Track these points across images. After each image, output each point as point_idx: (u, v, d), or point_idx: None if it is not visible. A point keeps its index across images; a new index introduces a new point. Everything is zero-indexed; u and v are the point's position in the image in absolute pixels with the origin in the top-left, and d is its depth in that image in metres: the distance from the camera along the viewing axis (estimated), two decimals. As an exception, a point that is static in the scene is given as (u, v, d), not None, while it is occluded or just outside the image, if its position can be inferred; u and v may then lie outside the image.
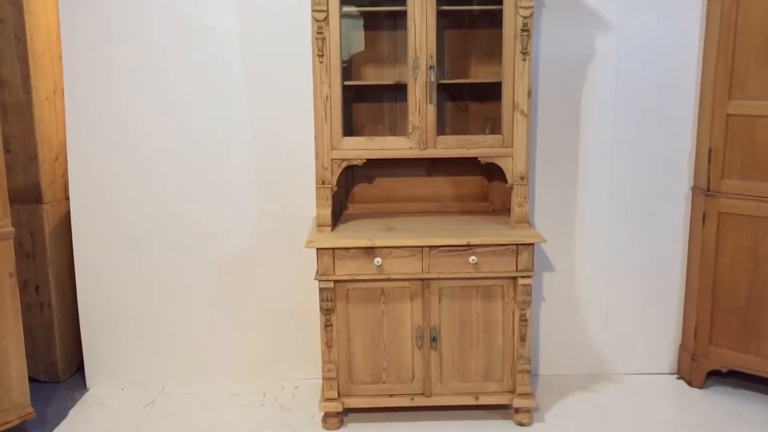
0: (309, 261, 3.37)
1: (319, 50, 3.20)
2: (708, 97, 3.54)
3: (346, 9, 3.28)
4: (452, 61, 3.56)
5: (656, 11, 3.57)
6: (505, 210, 3.64)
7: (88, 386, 3.79)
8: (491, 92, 3.46)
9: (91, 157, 3.63)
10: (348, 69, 3.52)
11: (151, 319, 3.77)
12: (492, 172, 3.54)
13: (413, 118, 3.29)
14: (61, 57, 3.59)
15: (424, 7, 3.18)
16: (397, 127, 3.61)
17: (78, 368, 3.92)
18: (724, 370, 3.62)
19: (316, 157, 3.31)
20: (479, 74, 3.57)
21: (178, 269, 3.73)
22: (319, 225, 3.35)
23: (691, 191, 3.71)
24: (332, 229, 3.37)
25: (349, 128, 3.57)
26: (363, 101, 3.61)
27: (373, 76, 3.57)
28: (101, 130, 3.61)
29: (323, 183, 3.33)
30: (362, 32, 3.54)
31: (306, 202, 3.57)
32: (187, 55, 3.56)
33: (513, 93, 3.26)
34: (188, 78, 3.58)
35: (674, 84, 3.63)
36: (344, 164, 3.33)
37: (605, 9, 3.55)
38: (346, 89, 3.37)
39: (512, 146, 3.31)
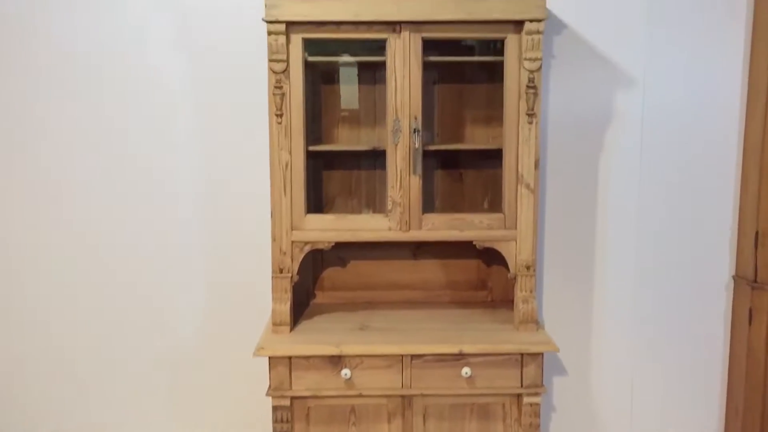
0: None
1: (277, 108, 2.58)
2: (753, 167, 2.92)
3: (312, 59, 2.68)
4: (443, 122, 2.95)
5: (689, 63, 2.97)
6: (507, 301, 2.99)
7: None
8: (490, 158, 2.85)
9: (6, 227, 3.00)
10: (314, 130, 2.91)
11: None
12: (491, 254, 2.90)
13: (393, 193, 2.66)
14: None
15: (407, 57, 2.58)
16: (376, 201, 2.98)
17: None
18: (778, 503, 2.92)
19: (273, 239, 2.67)
20: (476, 138, 2.96)
21: (101, 371, 3.06)
22: (275, 324, 2.68)
23: (732, 281, 3.05)
24: (291, 329, 2.70)
25: (316, 202, 2.94)
26: (333, 168, 2.98)
27: (346, 140, 2.96)
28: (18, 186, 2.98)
29: (281, 271, 2.68)
30: (332, 86, 2.93)
31: (268, 287, 2.92)
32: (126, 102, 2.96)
33: (517, 163, 2.64)
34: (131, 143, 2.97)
35: (711, 151, 3.01)
36: (308, 248, 2.68)
37: (628, 60, 2.95)
38: (311, 156, 2.75)
39: (516, 228, 2.67)
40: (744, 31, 2.92)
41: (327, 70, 2.91)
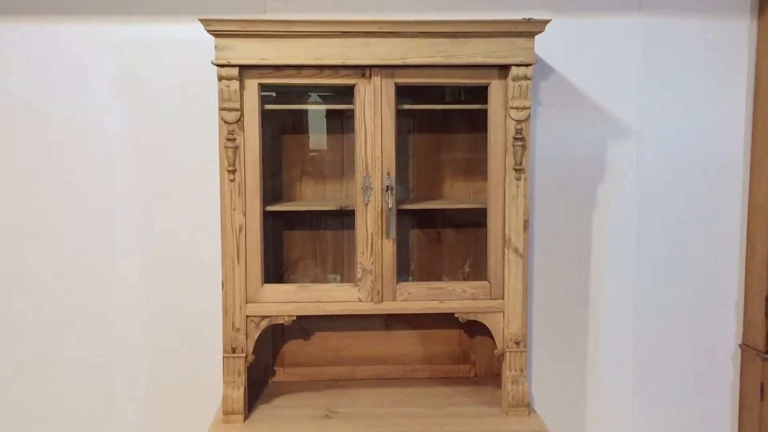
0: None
1: (229, 163, 2.25)
2: (761, 228, 2.64)
3: (270, 107, 2.36)
4: (419, 175, 2.64)
5: (688, 114, 2.70)
6: (492, 376, 2.66)
7: None
8: (473, 215, 2.54)
9: None
10: (274, 187, 2.58)
11: None
12: (474, 323, 2.54)
13: (363, 259, 2.32)
14: None
15: (378, 105, 2.27)
16: (344, 266, 2.64)
17: None
18: None
19: (224, 313, 2.31)
20: (456, 193, 2.65)
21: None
22: (226, 412, 2.30)
23: (740, 351, 2.75)
24: (245, 417, 2.33)
25: (275, 269, 2.60)
26: (296, 228, 2.64)
27: (311, 196, 2.62)
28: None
29: (234, 351, 2.31)
30: (294, 136, 2.61)
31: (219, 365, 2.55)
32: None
33: (503, 224, 2.33)
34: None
35: (714, 210, 2.72)
36: (265, 323, 2.32)
37: (622, 108, 2.67)
38: (269, 216, 2.42)
39: (503, 298, 2.35)
40: (745, 85, 2.66)
41: (288, 119, 2.59)
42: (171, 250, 2.63)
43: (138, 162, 2.60)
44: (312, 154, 2.61)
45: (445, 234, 2.68)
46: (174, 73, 2.57)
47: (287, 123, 2.59)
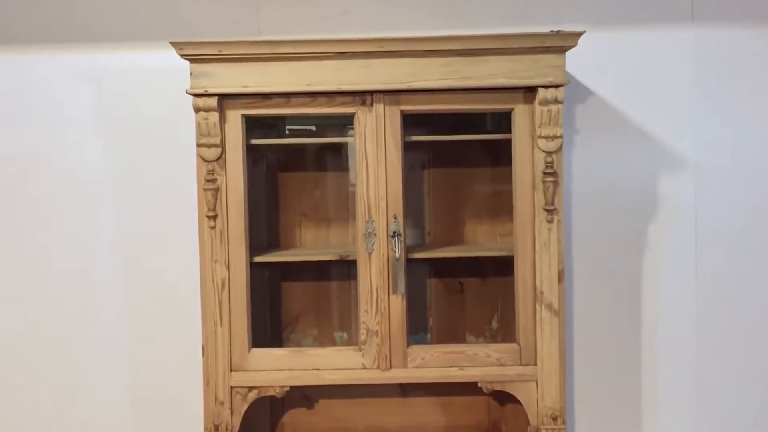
0: None
1: (209, 208, 1.93)
2: None
3: (257, 141, 2.04)
4: (435, 217, 2.28)
5: (752, 135, 2.29)
6: (527, 452, 2.25)
7: None
8: (501, 263, 2.17)
9: None
10: (269, 232, 2.25)
11: None
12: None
13: (367, 319, 1.97)
14: None
15: (381, 137, 1.94)
16: (352, 322, 2.28)
17: None
18: None
19: (205, 383, 1.97)
20: (480, 237, 2.28)
21: None
22: (207, 503, 1.96)
23: (826, 422, 2.30)
24: None
25: (272, 327, 2.26)
26: (295, 279, 2.31)
27: (312, 241, 2.29)
28: None
29: (216, 429, 1.96)
30: (292, 174, 2.29)
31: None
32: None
33: (534, 276, 1.95)
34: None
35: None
36: (253, 395, 1.98)
37: (672, 132, 2.28)
38: (262, 267, 2.09)
39: (535, 363, 1.96)
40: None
41: (283, 154, 2.27)
42: (152, 319, 2.32)
43: (120, 200, 2.31)
44: (312, 193, 2.28)
45: (468, 285, 2.31)
46: (157, 105, 2.28)
47: (283, 159, 2.27)
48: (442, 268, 2.28)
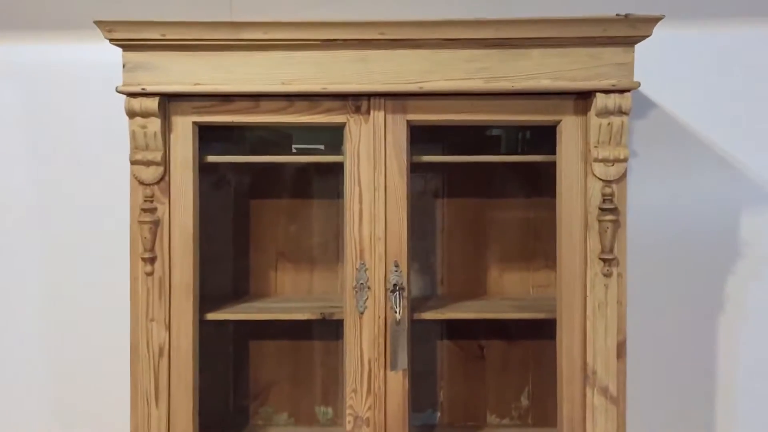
0: None
1: (145, 248, 1.42)
2: None
3: (214, 158, 1.53)
4: (451, 261, 1.77)
5: None
6: None
7: None
8: (534, 325, 1.65)
9: None
10: (225, 278, 1.74)
11: None
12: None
13: (355, 402, 1.45)
14: None
15: (381, 154, 1.43)
16: (337, 396, 1.76)
17: None
18: None
19: (134, 485, 1.45)
20: (508, 286, 1.76)
21: None
22: None
23: None
24: None
25: (236, 400, 1.74)
26: (267, 337, 1.79)
27: (291, 288, 1.78)
28: None
29: None
30: (268, 202, 1.78)
31: None
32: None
33: (583, 348, 1.43)
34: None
35: None
36: (199, 501, 1.46)
37: (760, 158, 1.76)
38: (213, 325, 1.58)
39: (584, 468, 1.43)
40: None
41: (257, 176, 1.77)
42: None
43: (43, 227, 1.81)
44: (292, 227, 1.77)
45: (491, 348, 1.78)
46: (91, 109, 1.78)
47: (255, 182, 1.77)
48: (458, 326, 1.77)
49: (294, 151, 1.69)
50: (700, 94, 1.75)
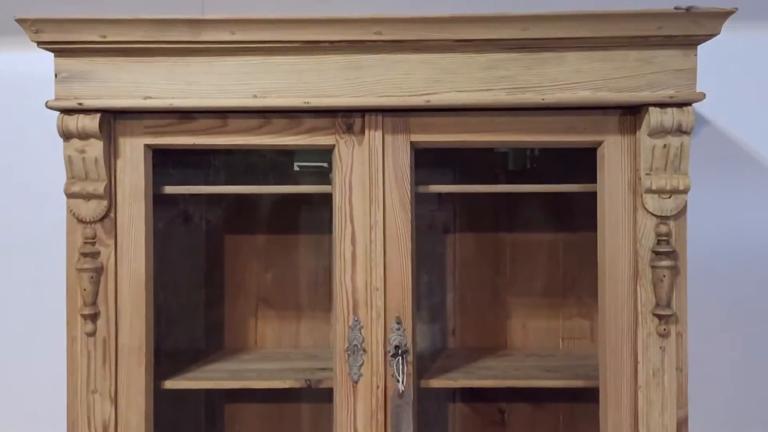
0: None
1: (85, 302, 1.14)
2: None
3: (173, 189, 1.24)
4: (465, 308, 1.48)
5: None
6: None
7: None
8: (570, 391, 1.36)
9: None
10: (195, 330, 1.46)
11: None
12: None
13: (348, 495, 1.16)
14: None
15: (379, 183, 1.15)
16: (328, 469, 1.47)
17: None
18: None
19: None
20: (533, 338, 1.47)
21: None
22: None
23: None
24: None
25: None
26: (246, 400, 1.50)
27: (272, 340, 1.49)
28: None
29: None
30: (241, 237, 1.49)
31: None
32: None
33: (635, 428, 1.14)
34: None
35: None
36: None
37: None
38: (178, 392, 1.29)
39: None
40: None
41: (223, 209, 1.48)
42: None
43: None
44: (275, 268, 1.49)
45: (513, 413, 1.49)
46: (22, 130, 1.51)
47: (230, 216, 1.48)
48: (474, 387, 1.47)
49: (296, 169, 1.42)
50: (763, 109, 1.46)
